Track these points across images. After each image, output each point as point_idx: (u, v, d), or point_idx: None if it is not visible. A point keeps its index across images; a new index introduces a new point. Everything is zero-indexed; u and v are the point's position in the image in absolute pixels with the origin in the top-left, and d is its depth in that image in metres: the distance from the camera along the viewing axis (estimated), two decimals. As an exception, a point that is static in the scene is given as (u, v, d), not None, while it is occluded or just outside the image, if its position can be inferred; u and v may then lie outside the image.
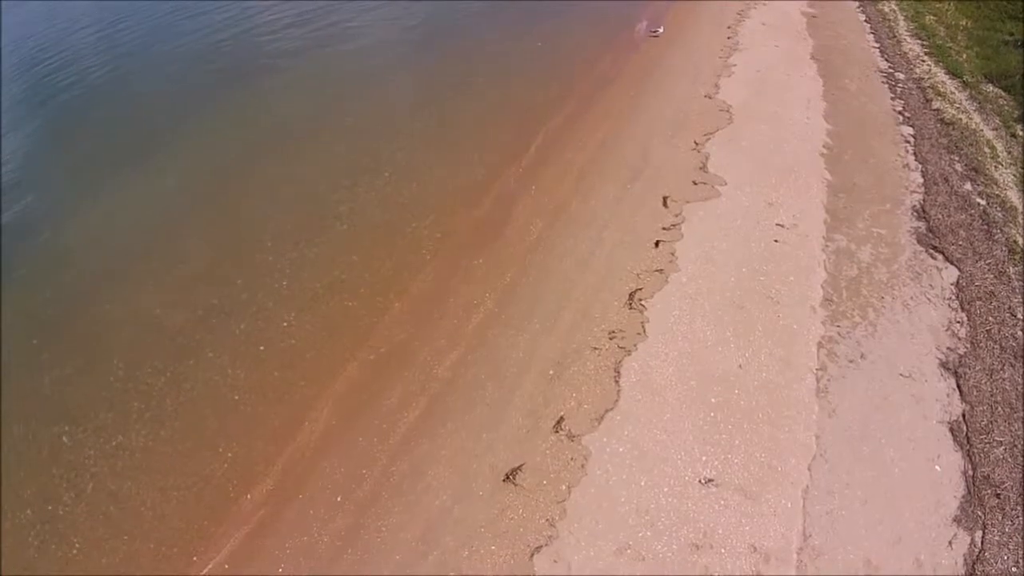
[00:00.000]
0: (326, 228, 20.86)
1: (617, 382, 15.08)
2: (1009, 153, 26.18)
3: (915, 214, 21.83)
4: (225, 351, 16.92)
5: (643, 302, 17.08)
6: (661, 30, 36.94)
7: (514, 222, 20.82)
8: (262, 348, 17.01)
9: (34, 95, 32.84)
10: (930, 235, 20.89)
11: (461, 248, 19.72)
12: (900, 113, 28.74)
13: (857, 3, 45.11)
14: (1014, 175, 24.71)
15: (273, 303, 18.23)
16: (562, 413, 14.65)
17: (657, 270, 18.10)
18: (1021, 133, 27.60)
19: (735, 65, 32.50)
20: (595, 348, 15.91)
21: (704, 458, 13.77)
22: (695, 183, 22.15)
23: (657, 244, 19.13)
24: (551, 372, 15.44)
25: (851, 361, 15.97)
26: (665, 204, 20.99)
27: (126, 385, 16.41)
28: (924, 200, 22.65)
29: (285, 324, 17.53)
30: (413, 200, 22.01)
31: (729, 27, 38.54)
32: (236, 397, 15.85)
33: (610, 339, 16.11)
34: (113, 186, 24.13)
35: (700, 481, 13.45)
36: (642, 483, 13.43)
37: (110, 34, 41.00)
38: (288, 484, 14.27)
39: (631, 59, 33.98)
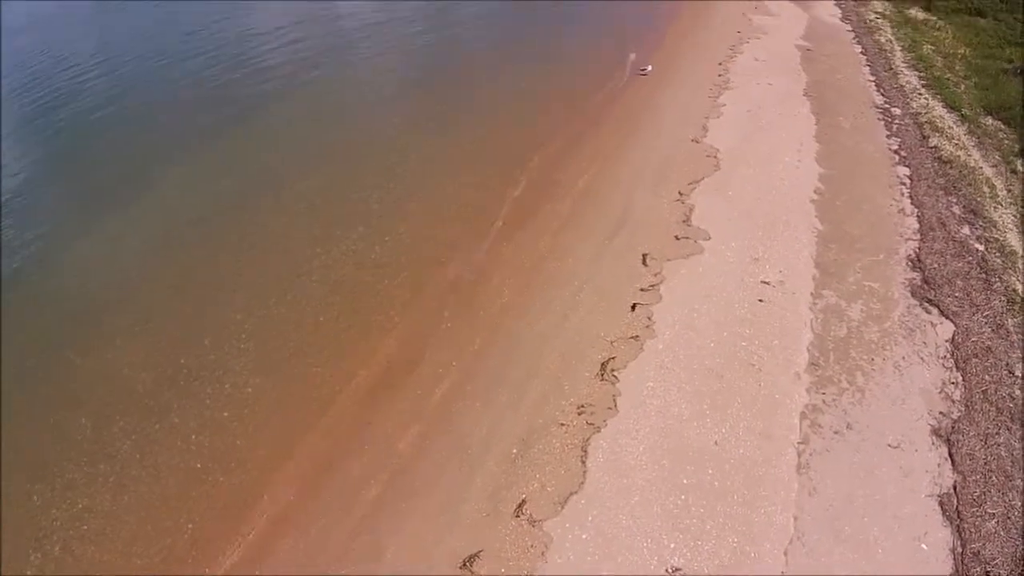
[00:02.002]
0: (296, 286, 21.39)
1: (583, 462, 15.26)
2: (1009, 191, 26.58)
3: (910, 264, 22.13)
4: (191, 416, 17.38)
5: (616, 373, 17.30)
6: (650, 68, 37.72)
7: (486, 282, 21.19)
8: (226, 414, 17.41)
9: (21, 134, 33.93)
10: (925, 287, 21.16)
11: (430, 310, 20.08)
12: (896, 152, 29.23)
13: (853, 34, 46.15)
14: (1014, 215, 25.08)
15: (240, 366, 18.68)
16: (524, 496, 14.81)
17: (632, 337, 18.35)
18: (1021, 168, 28.06)
19: (725, 105, 33.13)
20: (562, 424, 16.11)
21: (672, 545, 13.88)
22: (677, 238, 22.52)
23: (634, 307, 19.41)
24: (515, 451, 15.63)
25: (836, 432, 16.13)
26: (645, 262, 21.33)
27: (94, 445, 16.90)
28: (920, 248, 22.98)
29: (250, 390, 17.92)
30: (384, 257, 22.52)
31: (720, 63, 39.31)
32: (199, 465, 16.21)
33: (579, 414, 16.30)
34: (91, 235, 25.05)
35: (667, 570, 13.54)
36: (604, 573, 13.53)
37: (99, 73, 42.36)
38: (247, 561, 14.49)
39: (618, 100, 34.72)
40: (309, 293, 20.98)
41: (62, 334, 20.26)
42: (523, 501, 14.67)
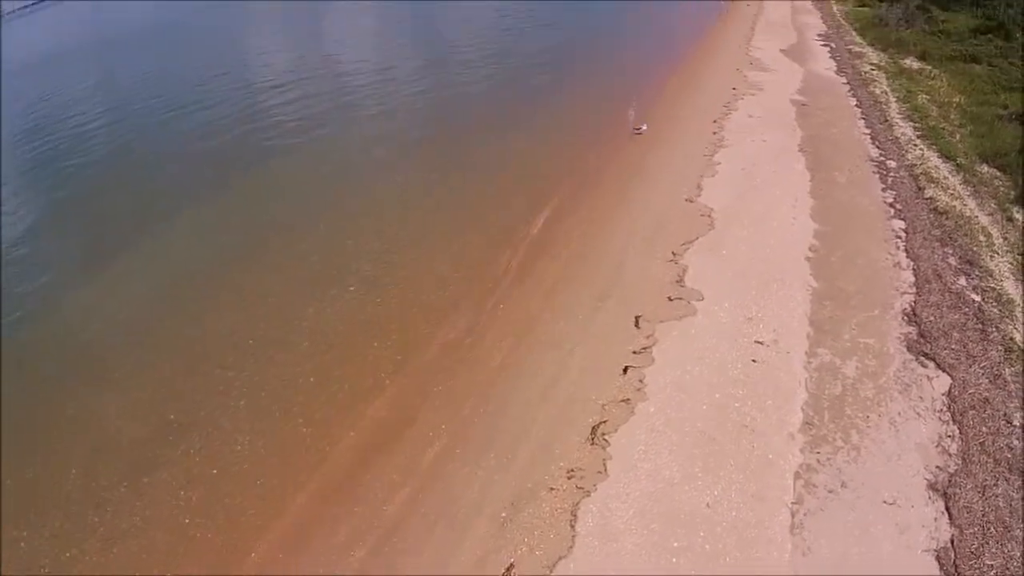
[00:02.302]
0: (288, 344, 22.27)
1: (573, 526, 15.73)
2: (1005, 239, 27.30)
3: (906, 318, 22.73)
4: (180, 471, 18.06)
5: (606, 436, 17.87)
6: (645, 127, 39.10)
7: (478, 344, 21.96)
8: (215, 471, 18.06)
9: (23, 181, 36.65)
10: (921, 341, 21.72)
11: (421, 372, 20.81)
12: (891, 205, 30.07)
13: (848, 87, 47.64)
14: (1010, 263, 25.75)
15: (230, 423, 19.44)
16: (513, 559, 15.27)
17: (623, 400, 18.97)
18: (1017, 216, 28.80)
19: (719, 163, 34.27)
20: (552, 488, 16.63)
21: (666, 610, 14.27)
22: (670, 299, 23.29)
23: (625, 370, 20.06)
24: (504, 514, 16.13)
25: (830, 491, 16.56)
26: (637, 324, 22.05)
27: (83, 495, 17.57)
28: (915, 301, 23.60)
29: (239, 447, 18.61)
30: (376, 318, 23.44)
31: (715, 121, 40.68)
32: (187, 520, 16.81)
33: (568, 478, 16.83)
34: (90, 285, 26.61)
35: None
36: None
37: (102, 123, 44.79)
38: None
39: (612, 159, 36.02)
40: (301, 352, 21.89)
41: (56, 382, 21.46)
42: (511, 565, 15.13)
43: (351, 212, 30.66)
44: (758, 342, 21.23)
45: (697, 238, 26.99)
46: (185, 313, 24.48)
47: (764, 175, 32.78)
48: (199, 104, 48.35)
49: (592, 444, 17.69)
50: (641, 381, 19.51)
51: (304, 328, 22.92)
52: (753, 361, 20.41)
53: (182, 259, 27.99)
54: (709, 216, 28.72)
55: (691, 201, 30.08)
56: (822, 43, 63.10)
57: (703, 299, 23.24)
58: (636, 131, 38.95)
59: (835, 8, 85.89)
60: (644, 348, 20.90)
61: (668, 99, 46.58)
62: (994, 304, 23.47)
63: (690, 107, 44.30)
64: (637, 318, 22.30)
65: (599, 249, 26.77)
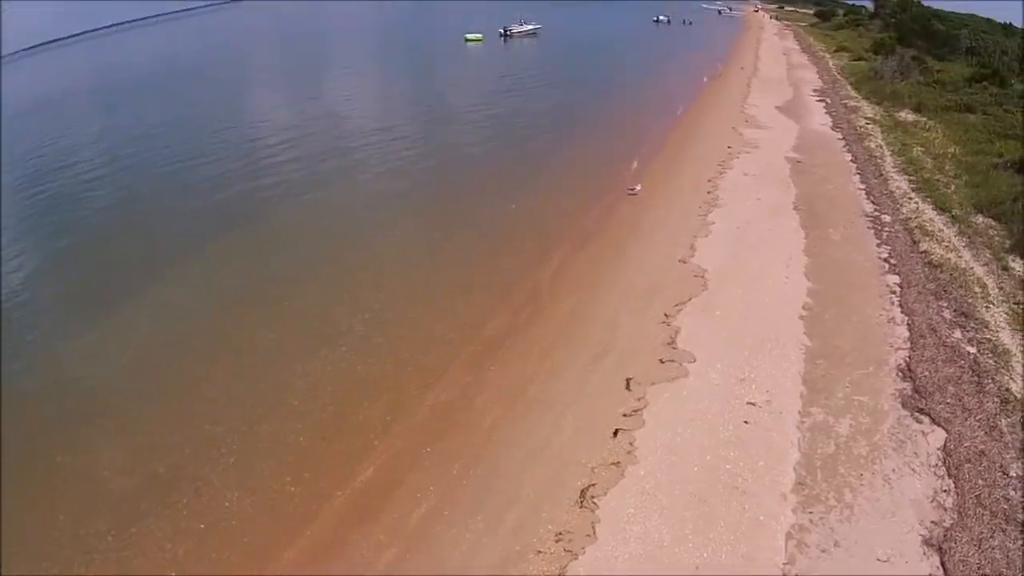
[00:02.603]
0: (280, 403, 22.78)
1: (561, 590, 16.18)
2: (1001, 289, 28.05)
3: (900, 374, 23.33)
4: (167, 524, 18.37)
5: (595, 500, 18.34)
6: (639, 188, 40.33)
7: (468, 407, 22.50)
8: (202, 526, 18.36)
9: (18, 232, 37.99)
10: (916, 396, 22.27)
11: (411, 434, 21.31)
12: (886, 260, 30.94)
13: (844, 142, 49.10)
14: (1006, 313, 26.44)
15: (218, 479, 19.82)
16: (499, 623, 15.69)
17: (614, 463, 19.48)
18: (1013, 265, 29.58)
19: (713, 223, 35.30)
20: (540, 551, 17.02)
21: (655, 675, 14.60)
22: (662, 361, 23.96)
23: (616, 433, 20.61)
24: (490, 577, 16.59)
25: (823, 551, 16.93)
26: (628, 387, 22.67)
27: (72, 542, 17.87)
28: (910, 357, 24.23)
29: (227, 504, 19.01)
30: (368, 378, 24.00)
31: (710, 180, 41.91)
32: (173, 573, 17.01)
33: (557, 541, 17.24)
34: (84, 334, 27.31)
35: None
36: None
37: (101, 175, 47.73)
38: None
39: (608, 221, 37.14)
40: (292, 410, 22.46)
41: (48, 432, 21.94)
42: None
43: (350, 267, 31.81)
44: (750, 403, 21.79)
45: (690, 299, 27.76)
46: (179, 365, 25.17)
47: (758, 234, 33.71)
48: (205, 156, 50.33)
49: (581, 507, 18.14)
50: (631, 444, 20.04)
51: (297, 386, 23.56)
52: (745, 422, 20.95)
53: (179, 311, 28.91)
54: (703, 277, 29.54)
55: (685, 262, 30.96)
56: (818, 98, 65.01)
57: (695, 360, 23.89)
58: (631, 192, 40.15)
59: (831, 63, 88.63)
60: (635, 411, 21.47)
61: (664, 159, 48.11)
62: (989, 355, 24.07)
63: (685, 167, 45.68)
64: (628, 380, 22.92)
65: (593, 311, 27.55)
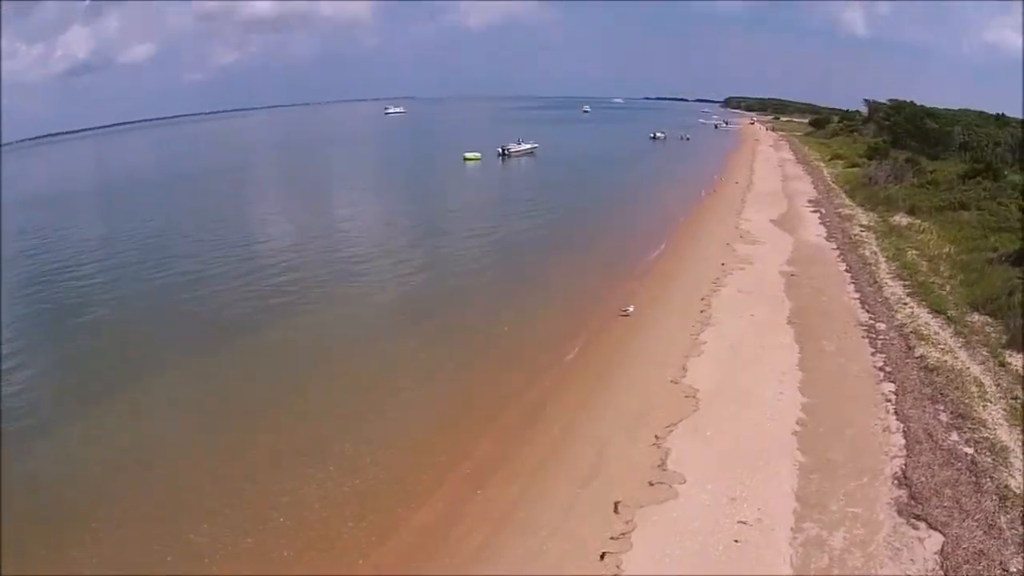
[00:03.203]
0: (265, 520, 23.59)
1: None
2: (998, 385, 29.06)
3: (895, 482, 24.11)
4: None
5: (583, 623, 19.04)
6: (631, 309, 41.93)
7: (453, 530, 23.17)
8: None
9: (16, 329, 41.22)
10: (912, 503, 22.97)
11: (395, 556, 21.97)
12: (881, 369, 32.08)
13: (838, 252, 51.11)
14: (1004, 409, 27.37)
15: None
16: None
17: (600, 586, 20.26)
18: (1010, 360, 30.68)
19: (705, 343, 36.70)
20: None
21: None
22: (651, 483, 24.84)
23: (603, 556, 21.33)
24: None
25: (818, 667, 17.53)
26: (616, 510, 23.46)
27: None
28: (906, 464, 25.04)
29: None
30: (353, 496, 24.90)
31: (703, 298, 43.53)
32: None
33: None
34: (58, 438, 29.10)
35: None
36: None
37: (98, 282, 52.14)
38: None
39: (600, 342, 38.66)
40: (276, 530, 23.23)
41: (35, 529, 23.15)
42: None
43: (341, 386, 33.43)
44: (741, 522, 22.55)
45: (681, 420, 28.81)
46: (165, 476, 26.33)
47: (751, 351, 35.01)
48: (206, 266, 55.31)
49: (565, 634, 18.83)
50: (618, 567, 20.68)
51: (281, 504, 24.42)
52: (736, 541, 21.66)
53: (165, 421, 30.55)
54: (694, 397, 30.68)
55: (676, 382, 32.17)
56: (812, 209, 67.64)
57: (685, 482, 24.78)
58: (623, 313, 41.73)
59: (826, 171, 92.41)
60: (623, 534, 22.20)
61: (659, 277, 50.18)
62: (987, 454, 24.91)
63: (679, 286, 47.53)
64: (616, 504, 23.73)
65: (582, 434, 28.57)
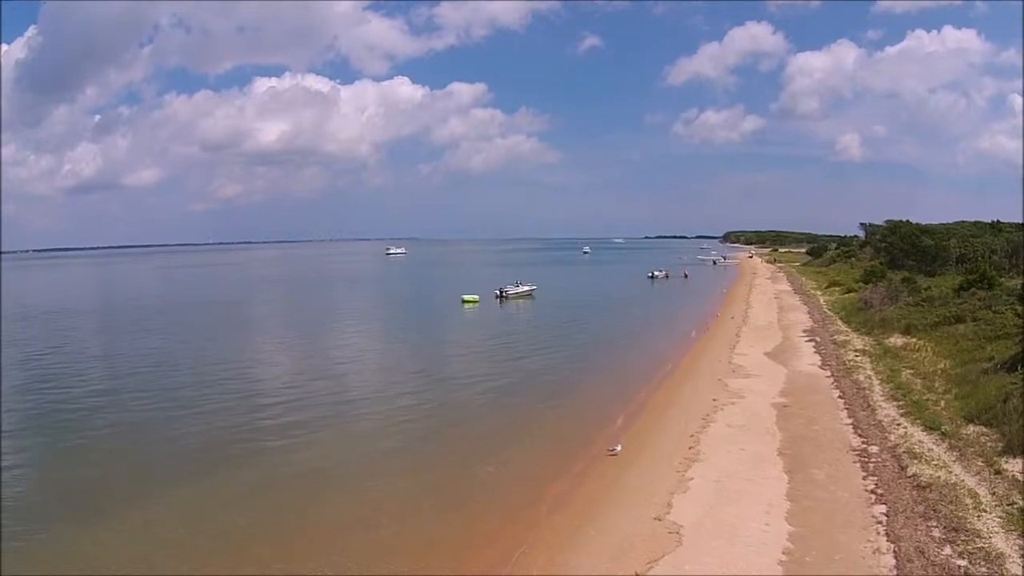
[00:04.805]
0: None
1: None
2: (993, 494, 30.04)
3: (885, 604, 24.86)
4: None
5: None
6: (619, 448, 42.97)
7: None
8: None
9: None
10: (902, 621, 23.72)
11: None
12: (872, 492, 33.04)
13: (832, 379, 52.71)
14: (1000, 516, 28.29)
15: None
16: None
17: None
18: (1005, 467, 31.76)
19: (692, 479, 37.63)
20: None
21: None
22: (630, 625, 25.52)
23: None
24: None
25: None
26: (592, 650, 24.15)
27: None
28: (895, 583, 25.84)
29: None
30: None
31: (692, 435, 44.64)
32: None
33: None
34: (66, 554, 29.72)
35: None
36: None
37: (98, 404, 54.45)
38: None
39: (584, 482, 39.52)
40: None
41: None
42: None
43: (324, 530, 33.80)
44: (725, 657, 23.19)
45: (663, 556, 29.45)
46: None
47: (738, 485, 35.93)
48: (204, 398, 57.48)
49: None
50: None
51: None
52: None
53: (156, 544, 31.34)
54: (677, 533, 31.42)
55: (660, 520, 32.92)
56: (807, 338, 69.73)
57: (666, 618, 25.46)
58: (611, 452, 42.77)
59: (822, 299, 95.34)
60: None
61: (649, 415, 51.53)
62: (981, 563, 25.66)
63: (669, 423, 48.74)
64: (593, 644, 24.43)
65: (561, 573, 29.28)
